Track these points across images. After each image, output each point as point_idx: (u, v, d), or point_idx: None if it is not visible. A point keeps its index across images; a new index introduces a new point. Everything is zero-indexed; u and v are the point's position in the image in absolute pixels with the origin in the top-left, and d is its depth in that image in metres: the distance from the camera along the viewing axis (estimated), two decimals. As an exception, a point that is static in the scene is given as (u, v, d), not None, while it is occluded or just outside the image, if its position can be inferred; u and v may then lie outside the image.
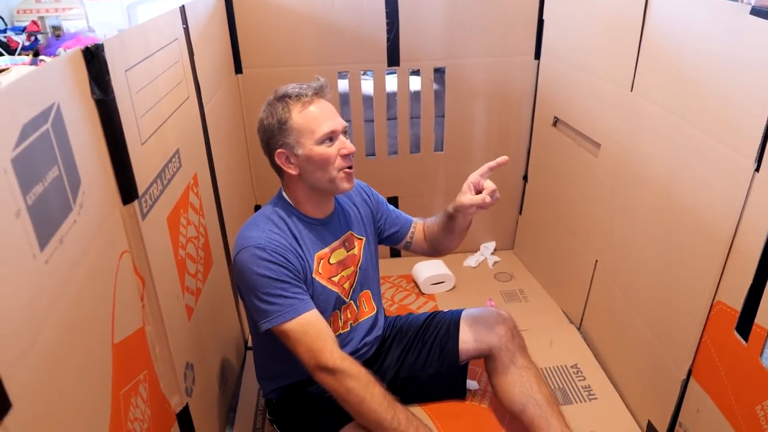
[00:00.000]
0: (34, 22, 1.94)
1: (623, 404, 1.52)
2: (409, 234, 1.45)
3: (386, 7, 1.87)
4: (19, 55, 1.74)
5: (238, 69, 1.89)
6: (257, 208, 2.03)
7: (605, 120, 1.62)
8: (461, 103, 2.06)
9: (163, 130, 1.10)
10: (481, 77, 2.02)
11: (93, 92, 0.82)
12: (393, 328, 1.48)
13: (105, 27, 2.08)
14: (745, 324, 1.09)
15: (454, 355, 1.41)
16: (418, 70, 2.01)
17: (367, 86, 2.03)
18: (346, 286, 1.32)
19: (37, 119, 0.66)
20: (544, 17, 1.92)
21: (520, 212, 2.26)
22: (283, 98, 1.18)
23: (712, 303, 1.19)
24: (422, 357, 1.43)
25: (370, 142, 2.10)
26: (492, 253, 2.28)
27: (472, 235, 2.17)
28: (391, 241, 1.46)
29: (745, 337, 1.10)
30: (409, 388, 1.40)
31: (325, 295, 1.26)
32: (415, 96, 2.07)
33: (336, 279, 1.29)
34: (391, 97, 2.05)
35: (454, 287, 2.07)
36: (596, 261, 1.72)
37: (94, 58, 0.81)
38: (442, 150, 2.14)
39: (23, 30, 1.91)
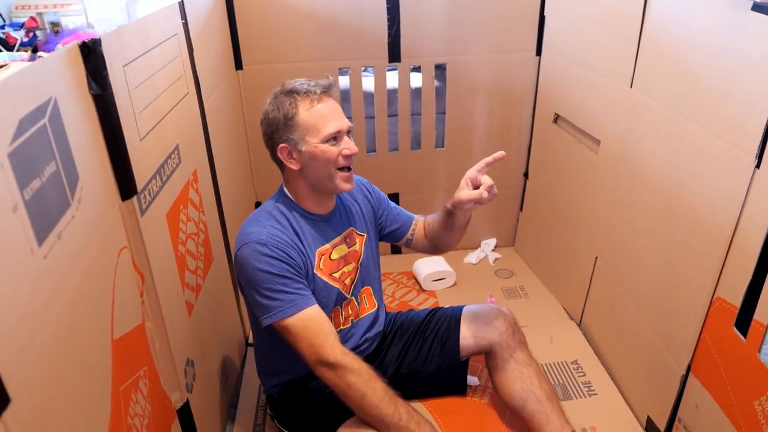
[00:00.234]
0: (32, 18, 1.93)
1: (623, 400, 1.52)
2: (410, 231, 1.45)
3: (387, 3, 1.87)
4: (17, 51, 1.74)
5: (239, 65, 1.89)
6: (258, 204, 2.03)
7: (605, 116, 1.61)
8: (462, 100, 2.06)
9: (162, 126, 1.10)
10: (483, 74, 2.02)
11: (90, 87, 0.82)
12: (394, 325, 1.48)
13: (104, 23, 2.08)
14: (744, 320, 1.09)
15: (454, 351, 1.41)
16: (419, 67, 2.00)
17: (368, 83, 2.03)
18: (347, 282, 1.32)
19: (34, 114, 0.66)
20: (545, 13, 1.91)
21: (521, 209, 2.26)
22: (291, 93, 1.18)
23: (712, 299, 1.18)
24: (423, 353, 1.43)
25: (371, 138, 2.10)
26: (493, 250, 2.28)
27: (472, 231, 2.17)
28: (392, 238, 1.46)
29: (744, 333, 1.09)
30: (409, 384, 1.40)
31: (326, 291, 1.26)
32: (416, 93, 2.06)
33: (337, 275, 1.29)
34: (392, 93, 2.04)
35: (454, 284, 2.07)
36: (596, 257, 1.72)
37: (91, 53, 0.81)
38: (443, 147, 2.14)
39: (22, 26, 1.91)
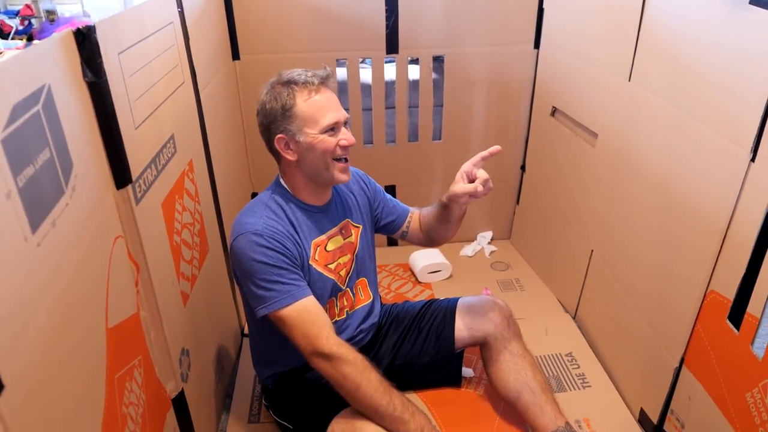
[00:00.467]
0: (27, 6, 1.92)
1: (617, 392, 1.53)
2: (406, 223, 1.45)
3: (385, -6, 1.86)
4: (12, 39, 1.72)
5: (236, 55, 1.88)
6: (254, 195, 2.03)
7: (603, 110, 1.61)
8: (460, 92, 2.05)
9: (158, 115, 1.10)
10: (481, 66, 2.01)
11: (85, 75, 0.82)
12: (389, 316, 1.48)
13: (100, 12, 2.07)
14: (737, 313, 1.10)
15: (449, 342, 1.41)
16: (417, 59, 2.00)
17: (366, 75, 2.02)
18: (343, 273, 1.32)
19: (27, 100, 0.66)
20: (544, 6, 1.91)
21: (518, 202, 2.26)
22: (289, 84, 1.17)
23: (706, 292, 1.19)
24: (418, 344, 1.43)
25: (368, 130, 2.09)
26: (489, 243, 2.28)
27: (469, 224, 2.18)
28: (388, 230, 1.46)
29: (737, 326, 1.10)
30: (404, 376, 1.40)
31: (322, 282, 1.26)
32: (414, 85, 2.06)
33: (332, 266, 1.29)
34: (390, 85, 2.04)
35: (450, 276, 2.08)
36: (592, 251, 1.72)
37: (86, 40, 0.81)
38: (440, 139, 2.13)
39: (17, 14, 1.89)
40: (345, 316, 1.35)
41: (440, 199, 1.31)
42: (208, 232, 1.44)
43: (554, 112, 1.93)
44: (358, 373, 1.12)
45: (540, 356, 1.62)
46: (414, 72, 2.04)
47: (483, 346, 1.40)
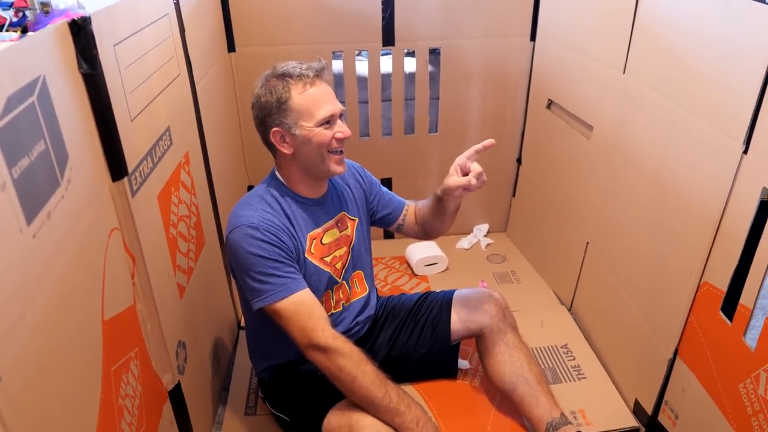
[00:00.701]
0: (22, -2, 1.90)
1: (611, 383, 1.54)
2: (401, 216, 1.46)
3: (381, -14, 1.85)
4: (6, 31, 1.71)
5: (231, 47, 1.87)
6: (250, 188, 2.03)
7: (598, 102, 1.61)
8: (456, 85, 2.05)
9: (154, 107, 1.09)
10: (477, 59, 2.01)
11: (80, 66, 0.82)
12: (385, 308, 1.49)
13: (95, 4, 2.05)
14: (730, 304, 1.11)
15: (445, 334, 1.42)
16: (413, 52, 1.99)
17: (362, 67, 2.02)
18: (339, 266, 1.32)
19: (22, 91, 0.66)
20: (540, -2, 1.91)
21: (514, 195, 2.26)
22: (284, 77, 1.17)
23: (699, 284, 1.20)
24: (414, 336, 1.44)
25: (365, 123, 2.09)
26: (485, 235, 2.29)
27: (465, 217, 2.18)
28: (383, 223, 1.47)
29: (730, 317, 1.11)
30: (401, 368, 1.41)
31: (318, 275, 1.26)
32: (410, 78, 2.05)
33: (328, 259, 1.29)
34: (386, 78, 2.04)
35: (447, 269, 2.08)
36: (587, 243, 1.73)
37: (81, 31, 0.80)
38: (436, 132, 2.13)
39: (11, 6, 1.87)
40: (341, 308, 1.35)
41: (435, 192, 1.32)
42: (205, 224, 1.44)
43: (550, 104, 1.93)
44: (354, 365, 1.13)
45: (536, 348, 1.63)
46: (410, 65, 2.04)
47: (479, 338, 1.41)
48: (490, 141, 1.20)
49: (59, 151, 0.74)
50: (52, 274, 0.71)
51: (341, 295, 1.35)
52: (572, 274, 1.82)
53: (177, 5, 1.29)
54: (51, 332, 0.70)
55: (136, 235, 0.98)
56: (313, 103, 1.16)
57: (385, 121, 2.10)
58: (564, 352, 1.65)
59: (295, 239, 1.22)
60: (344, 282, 1.35)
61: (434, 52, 2.04)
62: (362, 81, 2.02)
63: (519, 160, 2.20)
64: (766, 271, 1.01)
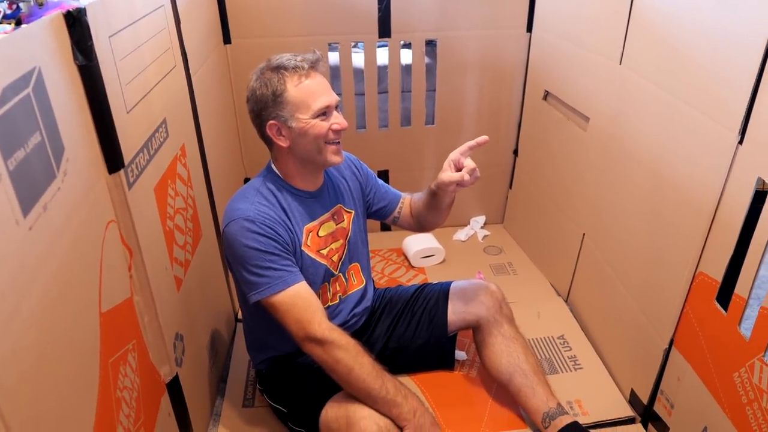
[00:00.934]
0: (15, -10, 1.88)
1: (608, 373, 1.55)
2: (397, 209, 1.46)
3: (377, -23, 1.85)
4: (0, 23, 1.70)
5: (227, 39, 1.86)
6: (246, 180, 2.02)
7: (594, 94, 1.61)
8: (452, 77, 2.05)
9: (149, 99, 1.09)
10: (473, 50, 2.01)
11: (75, 58, 0.81)
12: (382, 300, 1.49)
13: (89, -5, 2.03)
14: (725, 294, 1.11)
15: (442, 326, 1.42)
16: (409, 44, 1.99)
17: (358, 59, 2.01)
18: (335, 258, 1.32)
19: (17, 83, 0.65)
20: (536, -11, 1.90)
21: (510, 186, 2.26)
22: (279, 69, 1.16)
23: (695, 274, 1.20)
24: (411, 328, 1.44)
25: (361, 115, 2.09)
26: (482, 227, 2.29)
27: (462, 209, 2.19)
28: (379, 215, 1.47)
29: (725, 307, 1.12)
30: (398, 359, 1.42)
31: (314, 267, 1.27)
32: (406, 69, 2.05)
33: (325, 252, 1.29)
34: (382, 70, 2.03)
35: (443, 261, 2.08)
36: (583, 234, 1.74)
37: (76, 22, 0.80)
38: (432, 124, 2.13)
39: (5, -3, 1.86)
40: (338, 301, 1.35)
41: (429, 186, 1.32)
42: (201, 217, 1.44)
43: (546, 96, 1.93)
44: (351, 357, 1.13)
45: (532, 339, 1.64)
46: (406, 56, 2.03)
47: (475, 330, 1.42)
48: (483, 138, 1.21)
49: (55, 143, 0.74)
50: (49, 266, 0.71)
51: (338, 288, 1.35)
52: (569, 265, 1.82)
53: (172, -4, 1.28)
54: (48, 324, 0.70)
55: (132, 228, 0.98)
56: (309, 95, 1.15)
57: (381, 113, 2.09)
58: (560, 343, 1.66)
59: (292, 232, 1.22)
60: (341, 274, 1.35)
61: (431, 44, 2.03)
62: (358, 73, 2.01)
63: (515, 152, 2.20)
64: (760, 261, 1.02)
